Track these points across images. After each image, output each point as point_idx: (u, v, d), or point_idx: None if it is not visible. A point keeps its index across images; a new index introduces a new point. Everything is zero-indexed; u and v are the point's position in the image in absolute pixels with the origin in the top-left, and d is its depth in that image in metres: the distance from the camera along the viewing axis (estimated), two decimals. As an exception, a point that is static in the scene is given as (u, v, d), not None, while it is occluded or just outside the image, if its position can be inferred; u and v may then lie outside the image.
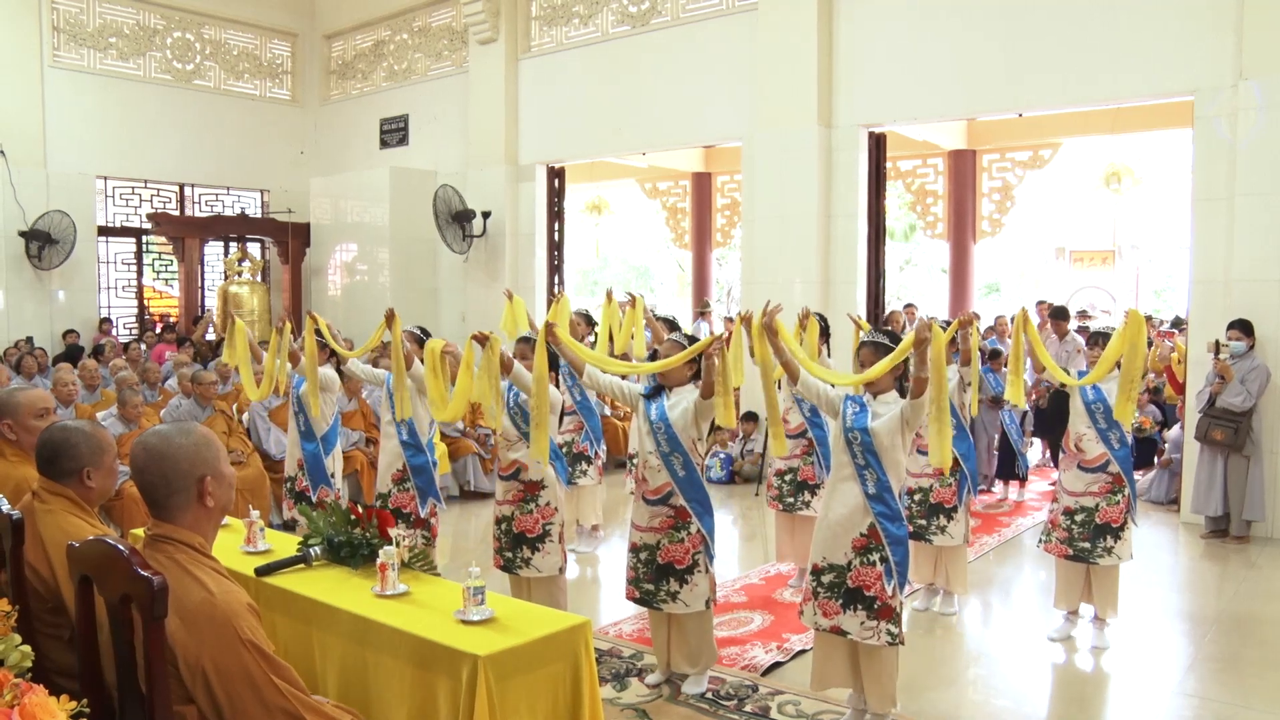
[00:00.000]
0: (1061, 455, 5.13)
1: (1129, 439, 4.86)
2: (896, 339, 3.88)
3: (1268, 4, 6.93)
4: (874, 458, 3.66)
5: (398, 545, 3.13)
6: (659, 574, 4.16)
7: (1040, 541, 5.07)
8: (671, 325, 6.45)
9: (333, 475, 5.96)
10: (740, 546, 7.07)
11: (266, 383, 6.02)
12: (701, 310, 14.51)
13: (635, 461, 4.86)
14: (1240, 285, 7.07)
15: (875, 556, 3.63)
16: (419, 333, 5.46)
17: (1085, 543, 4.81)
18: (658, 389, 4.30)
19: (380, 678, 2.78)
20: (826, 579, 3.70)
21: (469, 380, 4.50)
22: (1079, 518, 4.84)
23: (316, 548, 3.36)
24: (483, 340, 4.46)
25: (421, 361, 5.27)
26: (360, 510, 3.46)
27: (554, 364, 4.80)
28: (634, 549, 4.27)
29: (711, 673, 4.34)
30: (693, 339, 4.41)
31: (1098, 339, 5.02)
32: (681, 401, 4.17)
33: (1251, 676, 4.56)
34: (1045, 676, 4.70)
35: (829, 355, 6.10)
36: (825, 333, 5.98)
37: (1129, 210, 15.81)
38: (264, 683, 2.08)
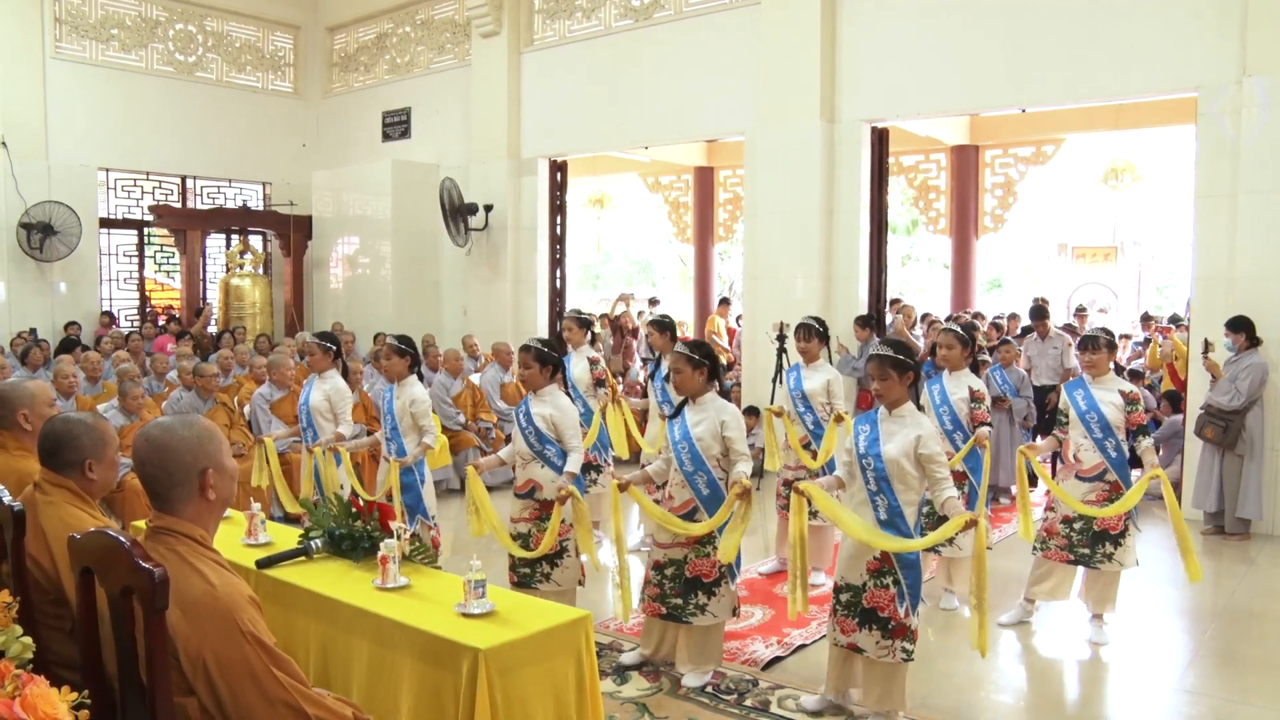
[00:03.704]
0: (1060, 466, 5.10)
1: (1125, 447, 4.85)
2: (905, 349, 3.87)
3: (1272, 1, 6.92)
4: (885, 484, 3.70)
5: (399, 539, 3.14)
6: (687, 588, 4.19)
7: (1036, 549, 5.02)
8: (669, 327, 6.42)
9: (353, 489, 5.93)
10: (741, 541, 7.04)
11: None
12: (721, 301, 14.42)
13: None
14: (1243, 282, 7.06)
15: (889, 579, 3.69)
16: (398, 344, 5.53)
17: (1085, 549, 4.82)
18: (680, 406, 4.31)
19: (381, 670, 2.78)
20: (844, 598, 3.78)
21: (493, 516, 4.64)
22: (1077, 525, 4.84)
23: (317, 540, 3.37)
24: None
25: (416, 368, 5.59)
26: (361, 504, 3.47)
27: (556, 371, 4.78)
28: (658, 566, 4.27)
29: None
30: (698, 344, 4.37)
31: (1087, 344, 4.99)
32: (705, 419, 4.18)
33: (1251, 673, 4.57)
34: (1045, 672, 4.72)
35: (829, 360, 6.10)
36: (824, 337, 5.96)
37: (1131, 206, 15.78)
38: (265, 675, 2.08)
